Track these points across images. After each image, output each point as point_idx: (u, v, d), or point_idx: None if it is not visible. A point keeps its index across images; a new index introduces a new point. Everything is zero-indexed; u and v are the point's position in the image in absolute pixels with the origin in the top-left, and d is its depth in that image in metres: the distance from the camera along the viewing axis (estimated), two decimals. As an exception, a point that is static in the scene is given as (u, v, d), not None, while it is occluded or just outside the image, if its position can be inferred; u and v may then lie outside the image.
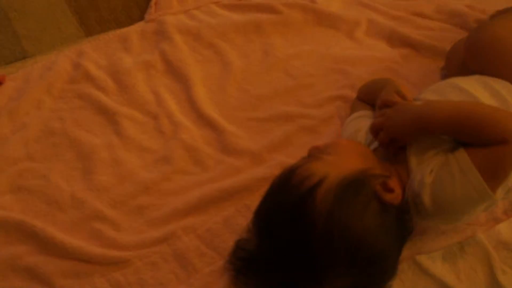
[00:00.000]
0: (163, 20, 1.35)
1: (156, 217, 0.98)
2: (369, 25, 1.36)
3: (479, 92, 0.96)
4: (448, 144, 0.86)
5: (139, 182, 1.03)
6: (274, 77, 1.24)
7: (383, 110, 0.96)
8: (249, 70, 1.25)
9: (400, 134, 0.90)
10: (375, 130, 0.94)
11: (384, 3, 1.43)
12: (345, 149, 0.92)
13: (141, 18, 1.40)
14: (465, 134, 0.83)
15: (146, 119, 1.15)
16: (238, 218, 0.96)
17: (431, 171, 0.84)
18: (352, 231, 0.77)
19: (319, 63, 1.27)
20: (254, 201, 0.94)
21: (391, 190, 0.83)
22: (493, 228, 0.93)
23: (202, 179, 1.04)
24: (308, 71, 1.25)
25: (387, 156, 0.93)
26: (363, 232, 0.77)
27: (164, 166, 1.06)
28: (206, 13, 1.40)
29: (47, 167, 1.08)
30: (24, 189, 1.05)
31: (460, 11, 1.35)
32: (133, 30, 1.33)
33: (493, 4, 1.32)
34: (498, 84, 0.97)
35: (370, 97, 1.13)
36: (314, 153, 0.90)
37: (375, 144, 0.97)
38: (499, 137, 0.79)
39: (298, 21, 1.36)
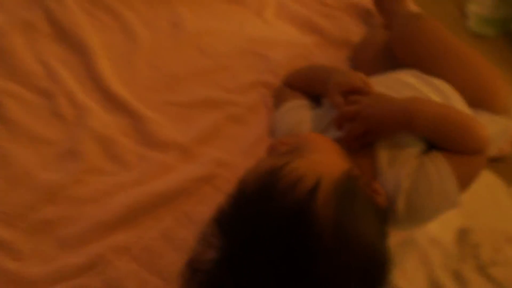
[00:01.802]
0: None
1: (71, 235, 0.71)
2: (277, 7, 1.22)
3: (425, 88, 0.93)
4: (421, 146, 0.80)
5: (39, 187, 0.73)
6: (187, 55, 1.01)
7: (353, 97, 0.85)
8: (158, 44, 0.99)
9: (379, 126, 0.78)
10: (346, 119, 0.82)
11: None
12: (322, 145, 0.78)
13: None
14: (446, 138, 0.77)
15: (36, 98, 0.82)
16: (179, 231, 0.76)
17: (407, 176, 0.78)
18: (363, 240, 0.64)
19: (234, 43, 1.08)
20: (193, 207, 0.77)
21: (377, 192, 0.74)
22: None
23: (125, 180, 0.78)
24: (224, 51, 1.06)
25: (347, 151, 0.84)
26: (372, 240, 0.66)
27: (71, 163, 0.77)
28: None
29: None
30: None
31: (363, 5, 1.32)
32: None
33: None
34: (435, 81, 0.96)
35: (309, 84, 1.00)
36: (286, 150, 0.76)
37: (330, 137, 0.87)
38: (477, 147, 0.76)
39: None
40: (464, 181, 0.76)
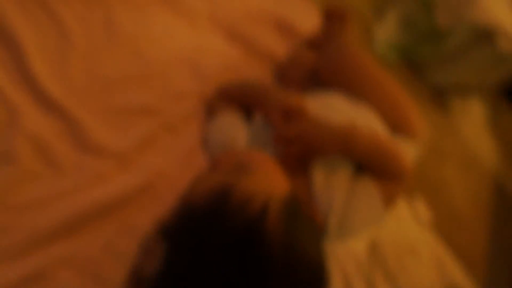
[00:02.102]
0: None
1: (8, 246, 0.67)
2: (209, 16, 1.23)
3: (353, 114, 1.00)
4: (351, 167, 0.87)
5: (-29, 192, 0.68)
6: (122, 57, 0.99)
7: (293, 118, 0.89)
8: (92, 44, 0.96)
9: (316, 150, 0.85)
10: (287, 141, 0.87)
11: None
12: (266, 164, 0.81)
13: None
14: (376, 164, 0.85)
15: (-38, 96, 0.75)
16: (121, 241, 0.75)
17: (340, 199, 0.83)
18: (309, 257, 0.68)
19: (168, 49, 1.08)
20: (133, 216, 0.77)
21: (316, 212, 0.78)
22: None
23: (62, 187, 0.76)
24: (158, 57, 1.04)
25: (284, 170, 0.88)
26: (317, 257, 0.70)
27: (3, 166, 0.73)
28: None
29: None
30: None
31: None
32: None
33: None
34: (361, 106, 1.04)
35: (244, 99, 1.02)
36: (231, 168, 0.77)
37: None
38: (399, 173, 0.85)
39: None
40: (387, 201, 0.86)
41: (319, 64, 1.16)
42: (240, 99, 1.04)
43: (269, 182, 0.75)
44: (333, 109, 0.99)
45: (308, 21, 1.40)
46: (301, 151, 0.85)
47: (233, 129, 0.97)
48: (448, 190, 1.47)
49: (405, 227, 1.17)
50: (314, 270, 0.69)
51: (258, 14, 1.33)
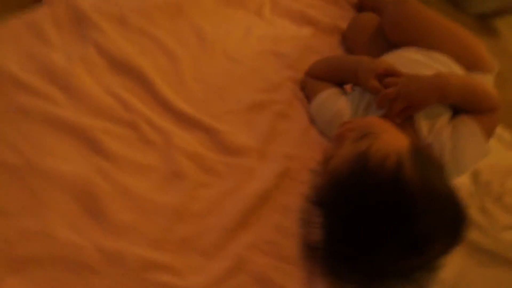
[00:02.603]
0: (74, 3, 0.97)
1: (207, 245, 0.78)
2: (272, 4, 1.32)
3: (430, 62, 1.08)
4: (449, 112, 0.97)
5: (165, 210, 0.79)
6: (220, 63, 1.08)
7: (389, 80, 0.99)
8: (194, 58, 1.05)
9: (419, 101, 0.95)
10: (388, 100, 0.96)
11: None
12: (384, 125, 0.92)
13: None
14: (471, 102, 0.96)
15: (123, 130, 0.85)
16: (285, 220, 0.86)
17: (448, 139, 0.93)
18: (445, 190, 0.80)
19: (249, 45, 1.17)
20: (284, 198, 0.87)
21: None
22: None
23: (225, 188, 0.87)
24: (245, 54, 1.14)
25: None
26: (453, 192, 0.81)
27: (179, 183, 0.83)
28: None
29: (39, 222, 0.70)
30: (28, 262, 0.67)
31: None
32: (41, 17, 0.91)
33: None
34: (434, 54, 1.12)
35: (335, 74, 1.12)
36: (357, 136, 0.87)
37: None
38: (492, 106, 0.95)
39: (209, 2, 1.20)
40: (488, 134, 0.96)
41: (383, 23, 1.24)
42: (331, 75, 1.13)
43: (393, 139, 0.85)
44: (413, 64, 1.08)
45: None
46: (404, 106, 0.95)
47: (336, 103, 1.06)
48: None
49: (496, 151, 1.27)
50: (453, 203, 0.80)
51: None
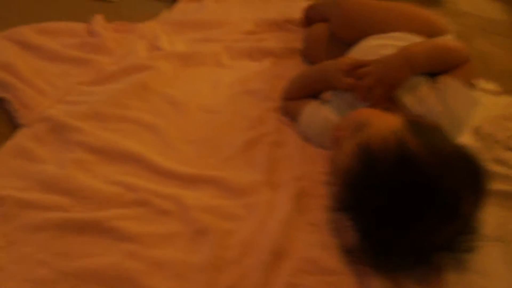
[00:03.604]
0: (48, 116, 1.03)
1: (255, 285, 0.77)
2: (227, 51, 1.40)
3: (392, 42, 1.12)
4: (426, 79, 1.00)
5: (203, 268, 0.78)
6: (200, 120, 1.13)
7: (360, 71, 1.03)
8: (174, 124, 1.09)
9: (394, 80, 0.99)
10: (367, 90, 1.00)
11: (216, 35, 1.49)
12: (372, 113, 0.96)
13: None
14: (439, 62, 1.01)
15: (135, 210, 0.86)
16: (316, 237, 0.87)
17: (436, 103, 0.97)
18: (455, 152, 0.83)
19: (222, 93, 1.23)
20: (311, 216, 0.91)
21: None
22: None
23: (251, 228, 0.87)
24: (221, 103, 1.19)
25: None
26: (459, 150, 0.84)
27: (205, 239, 0.83)
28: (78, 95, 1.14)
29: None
30: None
31: (271, 19, 1.57)
32: (22, 139, 0.95)
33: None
34: (393, 34, 1.16)
35: (310, 89, 1.16)
36: (352, 131, 0.90)
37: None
38: (461, 58, 1.00)
39: (170, 70, 1.26)
40: (469, 84, 0.99)
41: (332, 28, 1.29)
42: (306, 91, 1.17)
43: (385, 121, 0.88)
44: (376, 49, 1.11)
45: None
46: (384, 90, 0.98)
47: (320, 113, 1.10)
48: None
49: (486, 102, 1.30)
50: (466, 158, 0.82)
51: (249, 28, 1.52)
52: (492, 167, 1.09)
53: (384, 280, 0.80)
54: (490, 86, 1.43)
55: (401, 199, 0.77)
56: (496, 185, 1.01)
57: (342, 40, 1.27)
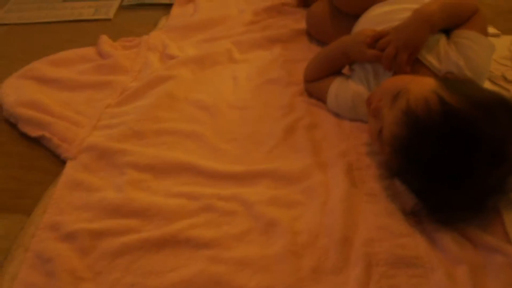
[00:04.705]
0: (90, 145, 1.05)
1: (336, 262, 0.81)
2: (237, 46, 1.42)
3: (405, 5, 1.14)
4: (443, 36, 1.04)
5: (284, 258, 0.82)
6: (234, 117, 1.15)
7: (382, 42, 1.05)
8: (210, 126, 1.12)
9: (416, 43, 1.01)
10: (391, 58, 1.02)
11: (221, 32, 1.51)
12: (404, 77, 0.99)
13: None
14: (455, 16, 1.04)
15: (203, 217, 0.89)
16: (377, 206, 0.91)
17: (457, 58, 1.00)
18: (493, 99, 0.86)
19: (244, 88, 1.25)
20: (367, 187, 0.94)
21: None
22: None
23: (315, 210, 0.91)
24: (247, 98, 1.22)
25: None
26: (496, 96, 0.88)
27: (276, 229, 0.86)
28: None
29: None
30: None
31: (268, 5, 1.59)
32: (72, 172, 0.98)
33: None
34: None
35: (331, 66, 1.19)
36: (389, 100, 0.93)
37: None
38: (473, 9, 1.04)
39: (189, 75, 1.28)
40: (484, 32, 1.02)
41: (335, 3, 1.32)
42: (327, 68, 1.20)
43: (420, 84, 0.91)
44: (388, 15, 1.14)
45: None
46: (408, 55, 1.01)
47: (348, 88, 1.12)
48: None
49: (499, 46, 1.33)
50: (505, 102, 0.86)
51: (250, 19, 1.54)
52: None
53: (452, 233, 0.85)
54: (490, 30, 1.47)
55: (451, 153, 0.81)
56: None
57: (347, 13, 1.30)
